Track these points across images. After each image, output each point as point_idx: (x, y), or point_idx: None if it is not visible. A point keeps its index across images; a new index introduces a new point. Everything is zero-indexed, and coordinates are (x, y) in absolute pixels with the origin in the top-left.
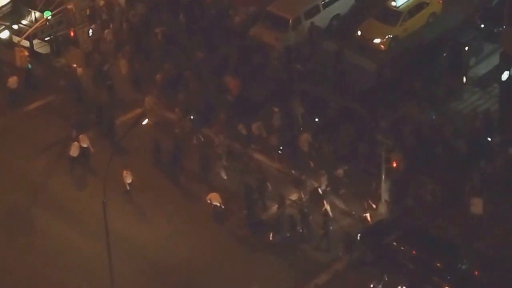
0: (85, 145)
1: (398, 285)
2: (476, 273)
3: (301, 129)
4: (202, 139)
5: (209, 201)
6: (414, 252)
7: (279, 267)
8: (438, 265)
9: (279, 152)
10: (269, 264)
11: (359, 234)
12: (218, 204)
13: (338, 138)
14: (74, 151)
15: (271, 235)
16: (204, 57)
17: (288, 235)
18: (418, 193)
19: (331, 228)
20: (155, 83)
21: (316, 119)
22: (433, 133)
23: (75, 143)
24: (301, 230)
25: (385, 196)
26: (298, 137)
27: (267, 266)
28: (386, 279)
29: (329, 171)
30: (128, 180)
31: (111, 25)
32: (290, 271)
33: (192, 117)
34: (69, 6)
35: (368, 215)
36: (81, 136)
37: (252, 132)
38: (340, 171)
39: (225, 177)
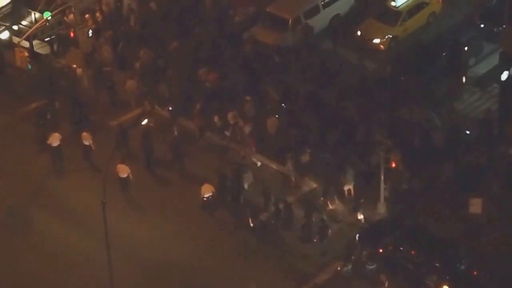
0: (87, 143)
1: (397, 285)
2: (475, 272)
3: (277, 116)
4: (176, 133)
5: (202, 196)
6: (413, 252)
7: (278, 267)
8: (437, 264)
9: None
10: (268, 264)
11: (357, 235)
12: (211, 194)
13: (305, 125)
14: (52, 141)
15: (250, 220)
16: (179, 46)
17: (272, 222)
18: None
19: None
20: (135, 70)
21: (283, 104)
22: (413, 126)
23: (56, 133)
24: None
25: (350, 186)
26: (266, 121)
27: (266, 265)
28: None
29: (295, 156)
30: (122, 174)
31: (87, 15)
32: (289, 271)
33: (170, 108)
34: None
35: (330, 201)
36: (83, 134)
37: (228, 122)
38: (305, 156)
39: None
